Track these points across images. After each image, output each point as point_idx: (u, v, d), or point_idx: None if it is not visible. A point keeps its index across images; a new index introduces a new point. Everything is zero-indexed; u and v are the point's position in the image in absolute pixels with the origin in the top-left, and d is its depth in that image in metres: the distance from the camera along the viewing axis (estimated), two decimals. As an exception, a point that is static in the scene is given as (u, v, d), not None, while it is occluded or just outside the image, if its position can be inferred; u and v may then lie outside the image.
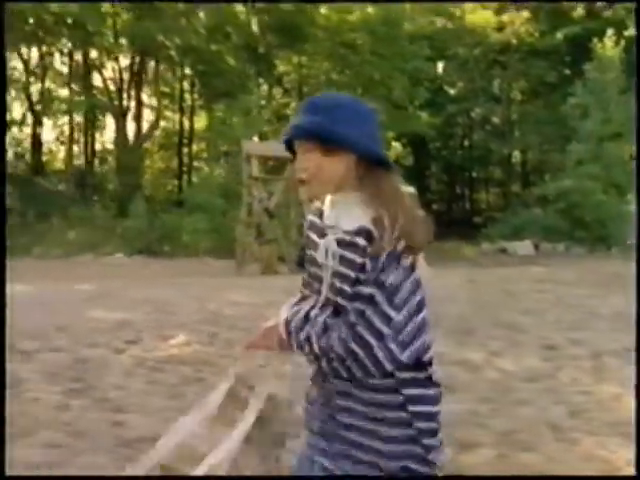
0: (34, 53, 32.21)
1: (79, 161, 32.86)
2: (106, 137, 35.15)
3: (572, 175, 21.07)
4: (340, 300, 1.55)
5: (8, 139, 30.51)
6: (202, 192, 20.38)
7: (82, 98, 30.47)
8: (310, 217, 1.71)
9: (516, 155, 34.48)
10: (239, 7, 26.75)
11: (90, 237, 19.52)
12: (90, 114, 30.75)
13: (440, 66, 32.29)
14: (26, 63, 31.78)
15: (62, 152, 35.08)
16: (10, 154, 27.80)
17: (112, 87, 32.02)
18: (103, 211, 22.68)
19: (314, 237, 1.67)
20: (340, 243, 1.59)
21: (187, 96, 34.21)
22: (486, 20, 28.77)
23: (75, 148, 34.14)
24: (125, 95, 31.72)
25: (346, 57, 28.04)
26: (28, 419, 3.66)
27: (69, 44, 31.71)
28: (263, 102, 22.11)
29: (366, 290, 1.50)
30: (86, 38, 29.12)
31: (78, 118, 32.31)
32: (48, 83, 32.42)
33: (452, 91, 32.72)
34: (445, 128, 31.68)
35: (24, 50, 31.10)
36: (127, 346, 5.61)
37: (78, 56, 32.18)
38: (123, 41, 31.56)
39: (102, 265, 15.68)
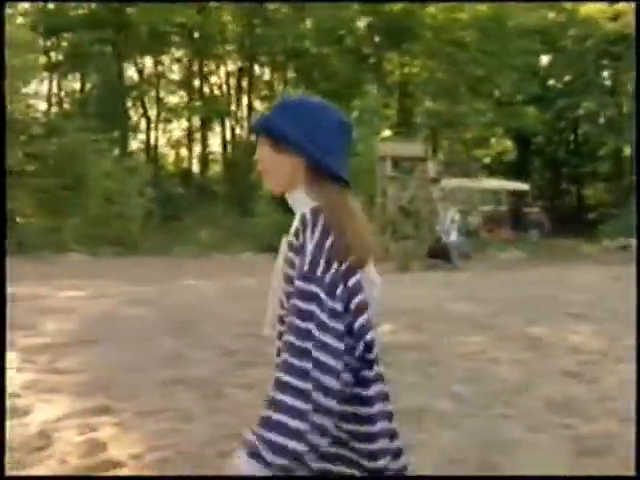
0: (148, 62, 33.99)
1: (190, 164, 34.39)
2: (217, 141, 36.57)
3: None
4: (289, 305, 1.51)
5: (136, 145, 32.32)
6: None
7: (195, 104, 31.91)
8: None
9: (626, 149, 33.42)
10: (347, 10, 27.24)
11: (217, 236, 20.57)
12: (204, 119, 32.08)
13: (546, 60, 31.77)
14: (141, 72, 33.49)
15: (173, 156, 36.79)
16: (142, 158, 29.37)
17: (219, 92, 33.41)
18: (225, 211, 23.75)
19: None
20: (288, 245, 1.59)
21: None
22: (600, 10, 28.13)
23: (185, 152, 35.77)
24: (234, 99, 32.98)
25: (452, 55, 28.07)
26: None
27: (180, 52, 33.25)
28: (374, 104, 22.47)
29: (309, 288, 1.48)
30: (199, 46, 30.51)
31: (190, 123, 33.70)
32: (161, 90, 34.06)
33: (560, 85, 32.10)
34: (552, 123, 31.15)
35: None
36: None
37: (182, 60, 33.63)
38: (230, 47, 32.83)
39: (241, 262, 16.59)
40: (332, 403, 1.45)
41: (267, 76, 35.25)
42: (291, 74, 33.39)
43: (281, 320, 1.56)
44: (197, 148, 34.52)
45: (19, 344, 5.36)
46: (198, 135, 34.34)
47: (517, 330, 6.74)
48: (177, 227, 21.27)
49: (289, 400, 1.42)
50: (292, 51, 29.94)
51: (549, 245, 20.67)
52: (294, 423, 1.41)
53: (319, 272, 1.47)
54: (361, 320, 1.51)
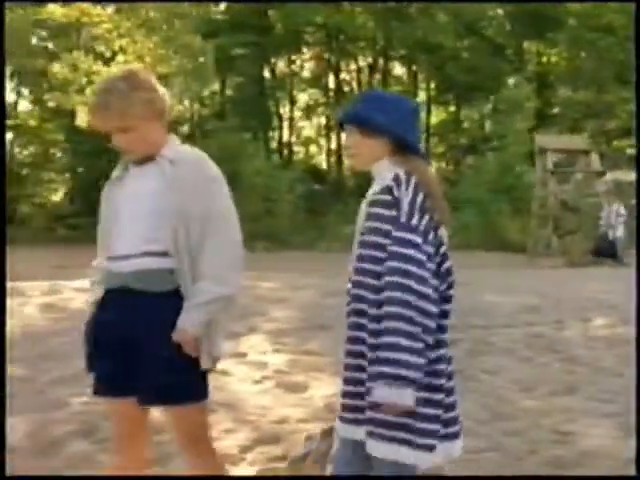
0: (281, 62, 34.97)
1: (324, 161, 35.04)
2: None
3: None
4: (375, 252, 1.85)
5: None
6: (470, 187, 20.88)
7: (326, 100, 32.50)
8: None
9: None
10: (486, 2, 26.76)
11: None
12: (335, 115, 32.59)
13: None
14: (273, 71, 34.49)
15: (304, 153, 37.61)
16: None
17: (348, 89, 33.82)
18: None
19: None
20: (369, 203, 1.92)
21: (422, 93, 34.96)
22: None
23: (315, 149, 36.51)
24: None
25: (596, 42, 26.87)
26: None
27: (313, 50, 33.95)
28: (522, 95, 21.98)
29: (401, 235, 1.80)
30: (333, 44, 31.08)
31: (327, 120, 34.25)
32: (294, 89, 34.95)
33: None
34: None
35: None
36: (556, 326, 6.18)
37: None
38: (363, 43, 33.13)
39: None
40: (432, 324, 1.79)
41: (398, 71, 35.28)
42: (423, 68, 33.27)
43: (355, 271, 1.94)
44: (328, 145, 35.10)
45: (263, 328, 5.81)
46: (326, 132, 35.00)
47: None
48: (321, 223, 21.84)
49: (402, 325, 1.74)
50: (424, 45, 29.79)
51: None
52: (407, 342, 1.74)
53: (414, 221, 1.80)
54: (447, 264, 1.89)
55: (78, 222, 24.55)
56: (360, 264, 1.92)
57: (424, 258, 1.78)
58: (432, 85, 33.73)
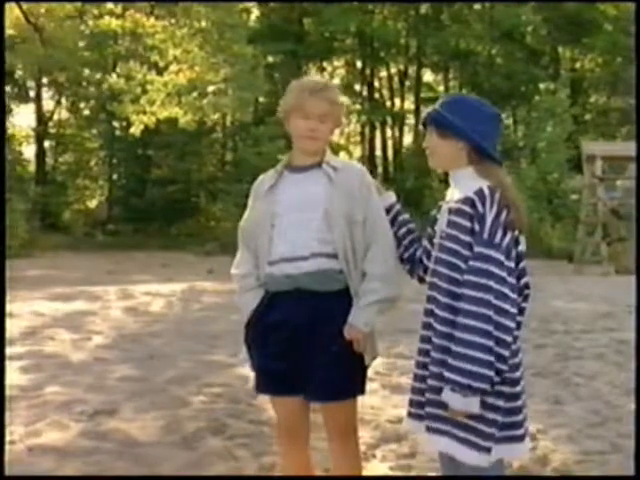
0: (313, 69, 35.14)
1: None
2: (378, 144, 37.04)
3: None
4: (452, 259, 1.93)
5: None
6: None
7: (363, 106, 32.53)
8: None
9: None
10: (521, 7, 26.71)
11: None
12: (370, 122, 32.64)
13: None
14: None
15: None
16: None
17: (379, 95, 33.89)
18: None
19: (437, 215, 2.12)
20: (450, 211, 1.98)
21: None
22: None
23: (344, 155, 36.60)
24: (398, 101, 33.34)
25: (630, 47, 26.66)
26: None
27: (347, 57, 34.09)
28: (562, 102, 21.91)
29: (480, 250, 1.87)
30: (366, 50, 31.20)
31: (361, 126, 34.28)
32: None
33: None
34: None
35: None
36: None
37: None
38: (394, 50, 33.18)
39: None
40: (509, 338, 1.86)
41: (429, 77, 35.28)
42: (456, 75, 33.25)
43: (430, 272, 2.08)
44: (363, 151, 35.15)
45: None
46: (359, 138, 35.08)
47: None
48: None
49: (477, 339, 1.83)
50: (457, 52, 29.79)
51: None
52: (481, 355, 1.83)
53: (497, 239, 1.87)
54: (525, 279, 1.99)
55: (117, 228, 24.97)
56: (436, 267, 2.03)
57: (505, 274, 1.85)
58: (464, 92, 33.65)
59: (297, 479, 2.44)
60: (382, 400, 4.25)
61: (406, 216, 2.37)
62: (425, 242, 2.21)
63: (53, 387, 4.10)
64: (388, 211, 2.34)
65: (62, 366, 4.69)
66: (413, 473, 3.19)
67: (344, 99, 2.41)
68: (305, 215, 2.27)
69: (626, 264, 13.19)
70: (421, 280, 2.26)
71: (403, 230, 2.32)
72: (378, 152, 35.54)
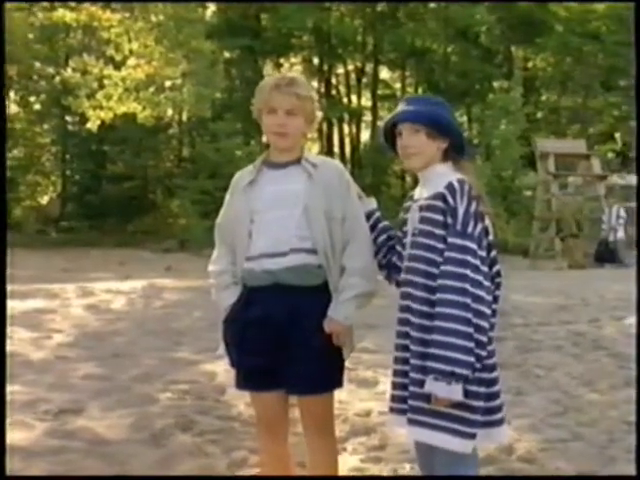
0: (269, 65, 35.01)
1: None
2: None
3: None
4: (427, 254, 1.98)
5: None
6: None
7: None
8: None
9: None
10: (475, 7, 27.12)
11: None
12: (330, 117, 32.61)
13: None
14: (261, 75, 34.44)
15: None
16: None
17: (335, 92, 33.97)
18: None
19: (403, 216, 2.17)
20: (422, 208, 2.03)
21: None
22: None
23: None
24: (355, 98, 33.46)
25: (580, 47, 27.35)
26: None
27: (303, 54, 34.05)
28: (516, 101, 22.35)
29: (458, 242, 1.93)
30: (322, 48, 31.23)
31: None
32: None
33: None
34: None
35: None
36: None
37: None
38: (351, 47, 33.30)
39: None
40: (486, 325, 1.92)
41: (386, 75, 35.51)
42: (412, 72, 33.54)
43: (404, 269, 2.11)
44: (316, 147, 35.20)
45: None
46: (316, 134, 35.08)
47: None
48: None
49: (457, 326, 1.88)
50: (413, 49, 30.09)
51: None
52: (462, 342, 1.88)
53: (469, 229, 1.93)
54: (496, 267, 2.06)
55: (72, 225, 24.42)
56: (411, 263, 2.06)
57: (478, 263, 1.91)
58: (420, 90, 34.02)
59: (276, 479, 2.46)
60: (349, 394, 4.27)
61: (386, 223, 2.38)
62: (398, 246, 2.22)
63: (14, 386, 4.01)
64: (368, 217, 2.35)
65: (22, 365, 4.58)
66: (384, 465, 3.23)
67: (314, 93, 2.38)
68: (285, 212, 2.28)
69: (578, 259, 13.58)
70: (399, 284, 2.24)
71: (383, 237, 2.33)
72: (336, 149, 35.69)
